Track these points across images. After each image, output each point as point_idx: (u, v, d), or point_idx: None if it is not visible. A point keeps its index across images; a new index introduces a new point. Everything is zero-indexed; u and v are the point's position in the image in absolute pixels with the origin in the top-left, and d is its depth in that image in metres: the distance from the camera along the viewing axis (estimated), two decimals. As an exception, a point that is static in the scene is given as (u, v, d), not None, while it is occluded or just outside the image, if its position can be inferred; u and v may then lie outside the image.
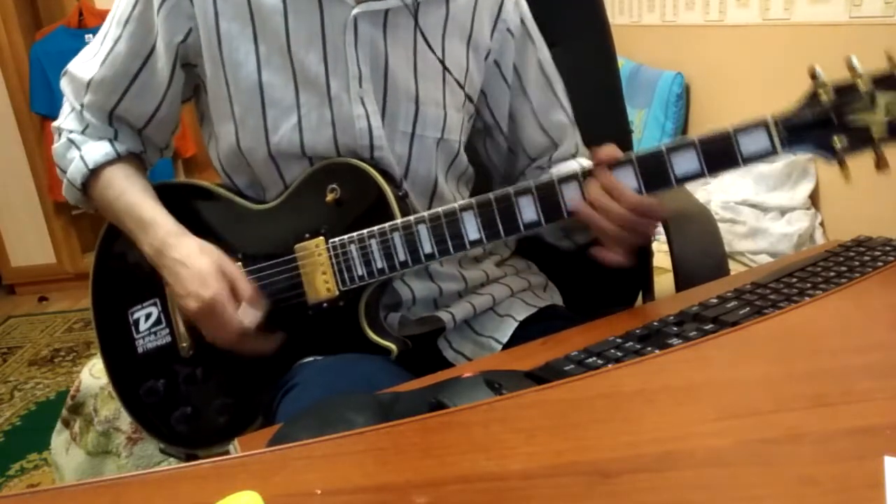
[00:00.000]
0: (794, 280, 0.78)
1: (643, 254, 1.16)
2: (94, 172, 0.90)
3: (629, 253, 0.79)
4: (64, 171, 0.92)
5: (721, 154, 0.73)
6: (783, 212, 1.83)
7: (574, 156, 1.02)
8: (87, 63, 0.91)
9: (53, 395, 2.43)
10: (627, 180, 0.76)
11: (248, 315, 0.81)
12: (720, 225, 1.14)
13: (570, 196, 0.79)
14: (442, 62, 0.89)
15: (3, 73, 3.19)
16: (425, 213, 0.81)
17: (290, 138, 0.85)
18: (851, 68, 0.70)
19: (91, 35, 2.94)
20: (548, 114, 0.99)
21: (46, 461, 1.98)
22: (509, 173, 1.04)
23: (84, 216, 3.40)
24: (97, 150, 0.90)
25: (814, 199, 1.84)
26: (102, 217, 0.95)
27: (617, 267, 0.79)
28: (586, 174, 0.77)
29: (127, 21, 0.87)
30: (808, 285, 0.76)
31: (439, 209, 0.81)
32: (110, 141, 0.92)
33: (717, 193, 1.91)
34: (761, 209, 1.86)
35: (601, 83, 1.19)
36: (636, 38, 2.71)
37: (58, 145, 0.93)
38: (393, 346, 0.84)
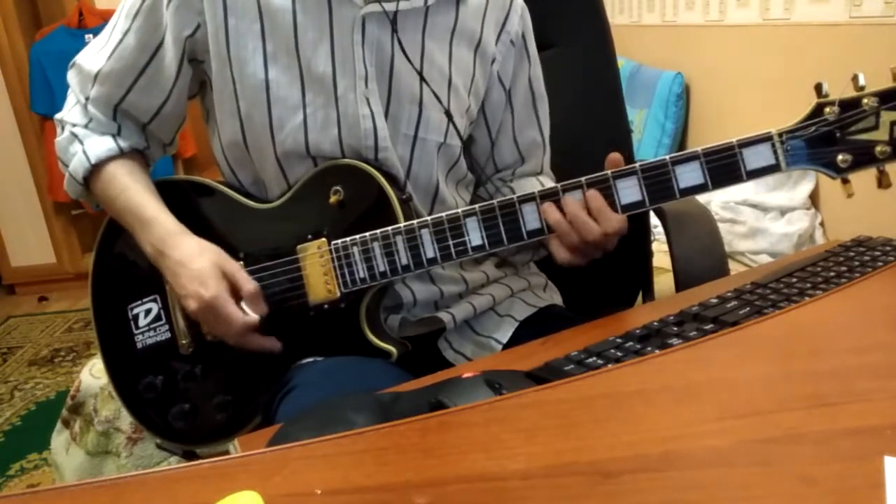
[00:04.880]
0: (794, 280, 0.78)
1: (643, 254, 1.16)
2: (95, 168, 0.90)
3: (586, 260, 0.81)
4: (66, 165, 0.92)
5: (725, 168, 0.73)
6: (783, 212, 1.83)
7: (538, 174, 1.03)
8: (95, 55, 0.91)
9: (53, 395, 2.43)
10: (631, 191, 0.76)
11: (249, 312, 0.81)
12: (720, 225, 1.14)
13: None
14: (448, 67, 0.89)
15: (3, 73, 3.18)
16: (429, 218, 0.81)
17: (295, 137, 0.85)
18: (857, 85, 0.69)
19: (91, 35, 2.94)
20: (524, 130, 1.00)
21: (46, 461, 1.97)
22: (477, 177, 1.03)
23: (84, 216, 3.39)
24: (100, 146, 0.90)
25: (814, 199, 1.84)
26: (102, 216, 0.95)
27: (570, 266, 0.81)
28: (591, 183, 0.77)
29: (136, 14, 0.87)
30: (808, 285, 0.76)
31: (443, 214, 0.81)
32: (113, 136, 0.92)
33: (717, 193, 1.91)
34: (761, 209, 1.86)
35: (601, 83, 1.19)
36: (636, 38, 2.71)
37: (61, 138, 0.93)
38: (393, 350, 0.84)
